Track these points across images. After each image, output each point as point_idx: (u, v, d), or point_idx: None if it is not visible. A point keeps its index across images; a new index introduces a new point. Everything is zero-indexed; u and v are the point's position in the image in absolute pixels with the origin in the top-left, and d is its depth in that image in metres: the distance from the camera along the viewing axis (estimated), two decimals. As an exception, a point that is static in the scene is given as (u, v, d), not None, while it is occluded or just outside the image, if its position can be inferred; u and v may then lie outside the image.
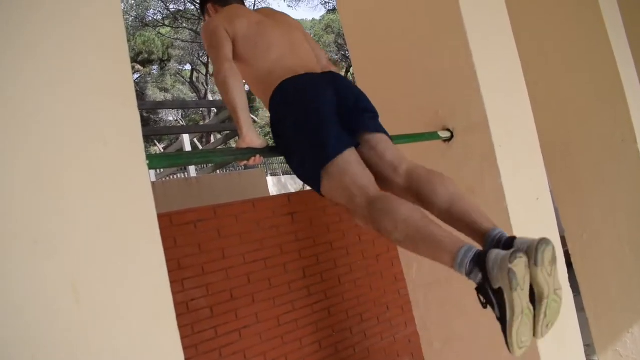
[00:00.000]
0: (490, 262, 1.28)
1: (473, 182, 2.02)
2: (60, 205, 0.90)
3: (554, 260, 1.31)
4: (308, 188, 2.00)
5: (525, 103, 2.18)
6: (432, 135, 2.07)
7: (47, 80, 0.92)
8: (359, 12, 2.44)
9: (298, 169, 1.69)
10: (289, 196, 3.63)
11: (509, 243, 1.37)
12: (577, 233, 3.10)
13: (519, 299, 1.25)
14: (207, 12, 2.13)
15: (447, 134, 2.07)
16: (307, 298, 3.33)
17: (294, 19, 2.08)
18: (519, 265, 1.23)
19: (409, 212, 1.41)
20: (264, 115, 28.04)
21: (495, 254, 1.28)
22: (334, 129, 1.61)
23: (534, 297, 1.30)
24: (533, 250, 1.28)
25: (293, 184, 13.09)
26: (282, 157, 1.80)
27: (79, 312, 0.88)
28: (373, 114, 1.76)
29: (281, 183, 12.87)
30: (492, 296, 1.30)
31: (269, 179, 11.90)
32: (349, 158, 1.57)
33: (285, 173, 15.86)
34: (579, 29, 2.91)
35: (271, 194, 8.01)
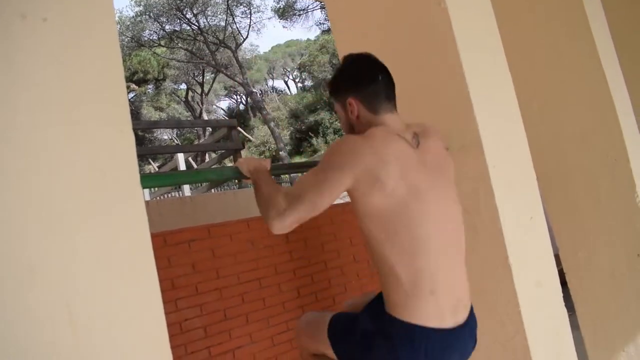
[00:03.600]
0: None
1: (467, 202, 2.02)
2: (55, 233, 0.90)
3: None
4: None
5: (518, 123, 2.20)
6: (426, 156, 2.08)
7: (42, 109, 0.92)
8: (352, 34, 2.46)
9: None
10: (283, 215, 3.62)
11: None
12: (571, 251, 3.10)
13: None
14: (345, 106, 1.59)
15: (441, 154, 2.08)
16: (301, 318, 3.32)
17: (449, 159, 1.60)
18: None
19: None
20: (259, 134, 28.02)
21: None
22: None
23: None
24: None
25: (288, 202, 13.01)
26: (277, 175, 1.81)
27: (75, 339, 0.88)
28: None
29: (276, 202, 12.82)
30: None
31: (264, 197, 11.84)
32: None
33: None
34: (572, 49, 2.95)
35: (266, 213, 7.95)
